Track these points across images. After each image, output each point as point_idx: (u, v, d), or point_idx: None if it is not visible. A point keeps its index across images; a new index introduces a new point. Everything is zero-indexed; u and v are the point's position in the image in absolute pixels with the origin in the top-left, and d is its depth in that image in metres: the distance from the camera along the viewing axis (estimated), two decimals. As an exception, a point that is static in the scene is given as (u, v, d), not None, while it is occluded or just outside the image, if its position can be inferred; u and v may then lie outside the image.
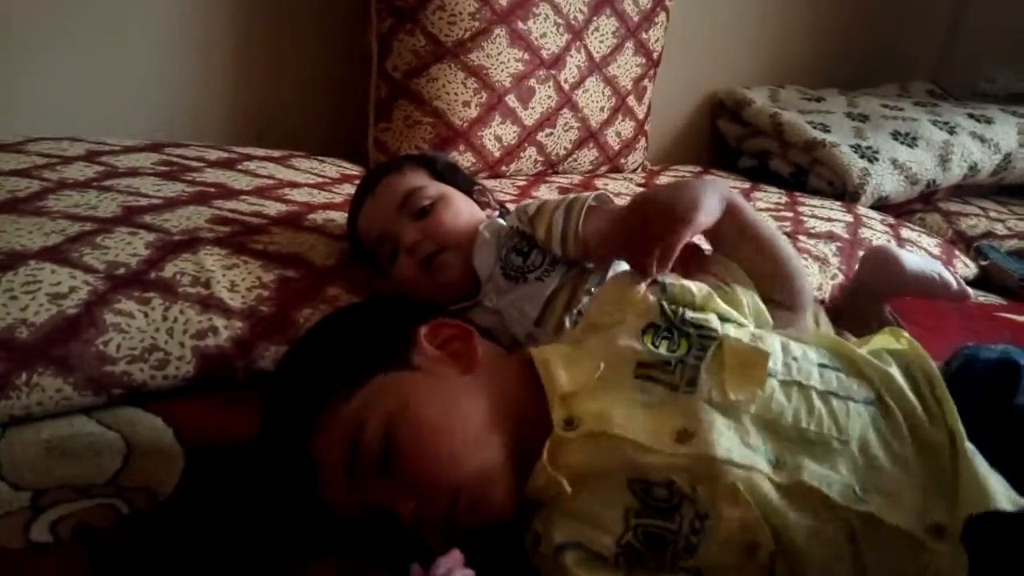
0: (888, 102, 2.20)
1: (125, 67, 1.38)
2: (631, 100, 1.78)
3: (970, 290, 1.11)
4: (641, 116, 1.83)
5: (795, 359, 0.61)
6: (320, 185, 1.25)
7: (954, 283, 1.08)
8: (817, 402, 0.58)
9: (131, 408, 0.77)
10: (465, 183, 1.02)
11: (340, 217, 1.09)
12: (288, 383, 0.67)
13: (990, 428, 0.56)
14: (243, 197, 1.09)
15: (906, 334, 0.65)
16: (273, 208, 1.07)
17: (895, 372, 0.60)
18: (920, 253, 1.55)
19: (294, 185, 1.21)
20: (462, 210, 0.95)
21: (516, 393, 0.64)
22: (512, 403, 0.63)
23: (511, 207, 1.02)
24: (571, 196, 0.89)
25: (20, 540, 0.59)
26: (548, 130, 1.63)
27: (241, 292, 0.87)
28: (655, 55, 1.80)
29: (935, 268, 1.10)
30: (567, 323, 0.83)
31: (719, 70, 2.19)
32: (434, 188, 0.96)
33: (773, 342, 0.62)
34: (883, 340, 0.65)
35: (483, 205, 1.01)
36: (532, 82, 1.56)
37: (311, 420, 0.61)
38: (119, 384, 0.76)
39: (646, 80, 1.80)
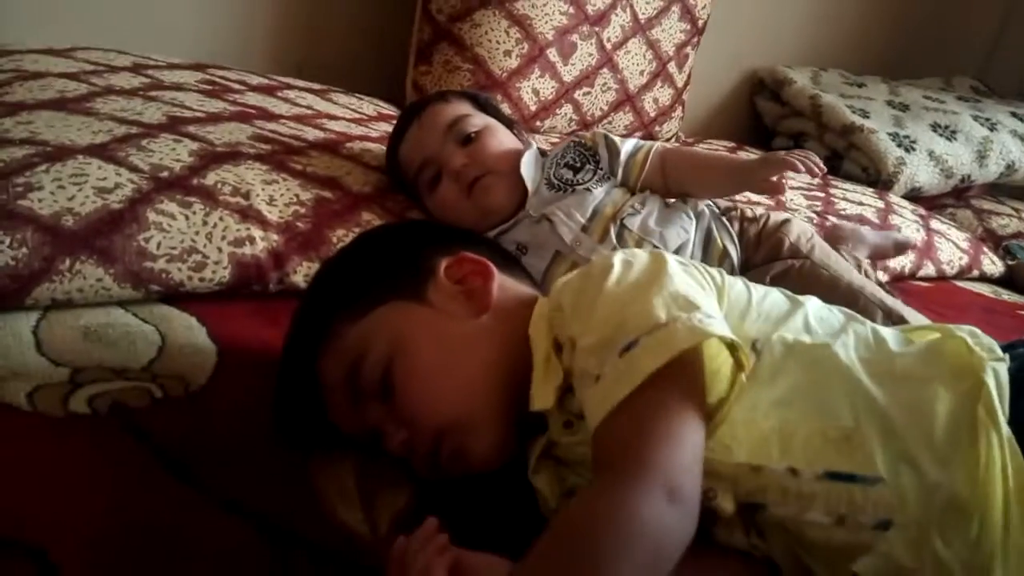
0: (931, 94, 2.18)
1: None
2: (672, 67, 1.77)
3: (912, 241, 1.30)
4: (680, 84, 1.82)
5: None
6: (357, 120, 1.26)
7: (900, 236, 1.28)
8: None
9: (167, 306, 0.79)
10: (505, 119, 1.04)
11: (377, 148, 1.11)
12: (308, 299, 0.68)
13: None
14: (283, 121, 1.11)
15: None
16: (311, 134, 1.09)
17: None
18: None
19: (332, 117, 1.22)
20: (505, 139, 0.98)
21: (522, 346, 0.61)
22: (516, 356, 0.60)
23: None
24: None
25: (60, 409, 0.61)
26: (586, 89, 1.63)
27: (279, 207, 0.88)
28: (700, 23, 1.78)
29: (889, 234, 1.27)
30: (612, 232, 0.88)
31: (761, 48, 2.17)
32: (479, 118, 0.99)
33: None
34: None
35: (522, 142, 1.03)
36: (575, 37, 1.56)
37: (319, 338, 0.62)
38: (157, 281, 0.78)
39: (689, 47, 1.79)
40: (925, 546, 0.48)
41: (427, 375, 0.59)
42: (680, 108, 1.87)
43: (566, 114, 1.63)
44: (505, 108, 1.52)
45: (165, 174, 0.84)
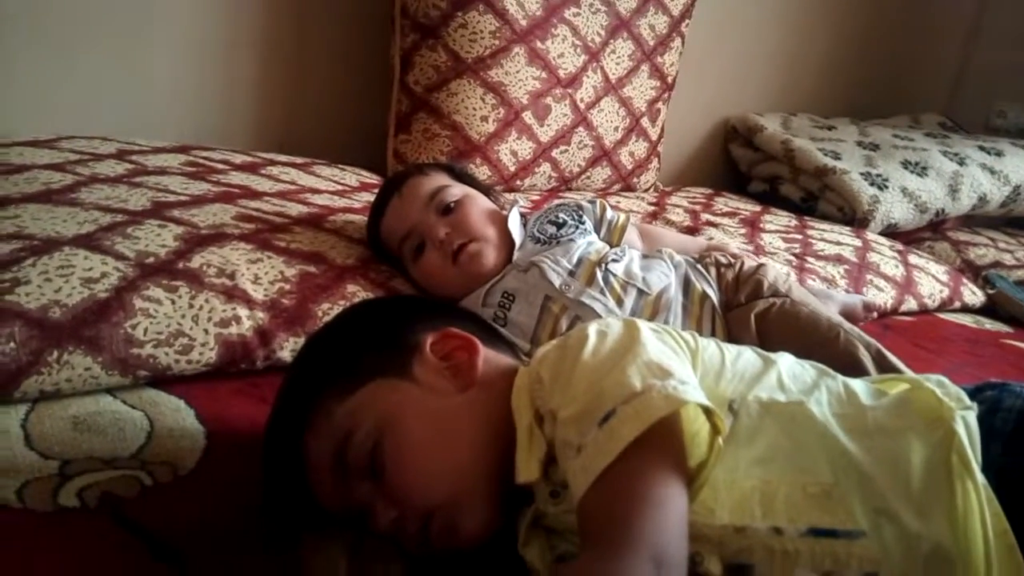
0: (899, 132, 2.23)
1: (154, 72, 1.43)
2: (645, 121, 1.81)
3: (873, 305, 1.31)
4: (654, 137, 1.86)
5: None
6: (340, 192, 1.29)
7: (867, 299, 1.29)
8: None
9: (154, 390, 0.80)
10: (482, 187, 1.07)
11: (359, 220, 1.13)
12: (293, 378, 0.69)
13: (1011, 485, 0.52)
14: (267, 198, 1.13)
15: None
16: (295, 210, 1.11)
17: None
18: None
19: (315, 191, 1.25)
20: (484, 206, 1.01)
21: (507, 418, 0.61)
22: (502, 428, 0.60)
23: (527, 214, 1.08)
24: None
25: (49, 504, 0.62)
26: (563, 147, 1.67)
27: (264, 285, 0.90)
28: (669, 79, 1.84)
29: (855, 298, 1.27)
30: (599, 276, 0.93)
31: (732, 96, 2.23)
32: (457, 188, 1.02)
33: None
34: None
35: (499, 207, 1.06)
36: (549, 100, 1.60)
37: (304, 417, 0.62)
38: (145, 366, 0.79)
39: (660, 103, 1.84)
40: None
41: (417, 454, 0.59)
42: (656, 159, 1.91)
43: (545, 172, 1.67)
44: (485, 170, 1.56)
45: (151, 260, 0.86)
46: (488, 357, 0.66)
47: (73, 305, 0.78)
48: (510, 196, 1.53)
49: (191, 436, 0.73)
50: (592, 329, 0.59)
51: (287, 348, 0.87)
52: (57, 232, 0.87)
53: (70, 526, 0.60)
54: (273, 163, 1.35)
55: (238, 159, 1.32)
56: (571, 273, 0.95)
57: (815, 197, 2.01)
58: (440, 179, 1.04)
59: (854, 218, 1.89)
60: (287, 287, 0.91)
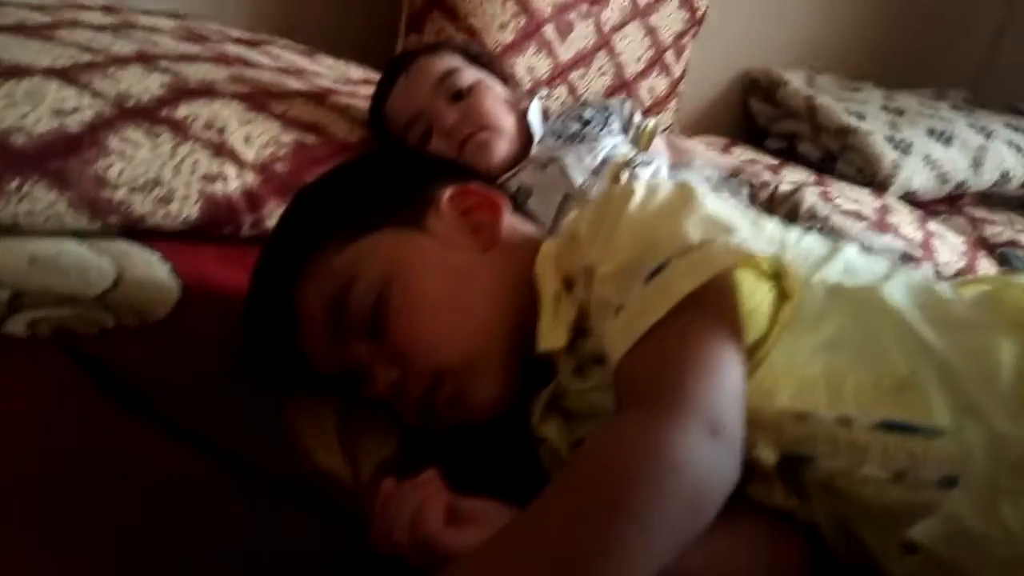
0: (925, 101, 2.16)
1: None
2: (669, 56, 1.72)
3: None
4: (677, 74, 1.77)
5: None
6: (344, 80, 1.19)
7: None
8: None
9: (126, 242, 0.71)
10: (500, 72, 0.98)
11: (364, 105, 1.03)
12: (289, 219, 0.60)
13: None
14: (264, 69, 1.03)
15: None
16: (295, 84, 1.01)
17: None
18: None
19: (317, 75, 1.15)
20: (500, 95, 0.92)
21: (528, 287, 0.54)
22: (522, 296, 0.54)
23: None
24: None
25: (-8, 330, 0.53)
26: (582, 70, 1.57)
27: (256, 147, 0.81)
28: (699, 13, 1.74)
29: None
30: (624, 178, 0.83)
31: (755, 49, 2.14)
32: (471, 72, 0.93)
33: None
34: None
35: (517, 98, 0.97)
36: (573, 16, 1.51)
37: (299, 263, 0.54)
38: (116, 212, 0.70)
39: (687, 37, 1.75)
40: (995, 508, 0.42)
41: (428, 307, 0.52)
42: (676, 100, 1.82)
43: (560, 96, 1.57)
44: (498, 85, 1.47)
45: (131, 103, 0.76)
46: (511, 222, 0.58)
47: (40, 135, 0.68)
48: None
49: (163, 288, 0.65)
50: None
51: (276, 217, 0.78)
52: (28, 62, 0.76)
53: (16, 353, 0.51)
54: (272, 44, 1.25)
55: (235, 33, 1.22)
56: (595, 172, 0.87)
57: (834, 157, 1.93)
58: (452, 61, 0.95)
59: (873, 181, 1.82)
60: (281, 153, 0.82)
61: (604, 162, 0.88)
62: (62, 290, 0.60)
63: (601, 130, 0.91)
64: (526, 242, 0.58)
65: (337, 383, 0.56)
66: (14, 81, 0.72)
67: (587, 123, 0.92)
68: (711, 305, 0.43)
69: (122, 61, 0.83)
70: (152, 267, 0.68)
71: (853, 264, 0.53)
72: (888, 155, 1.82)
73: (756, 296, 0.46)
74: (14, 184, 0.65)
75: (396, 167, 0.62)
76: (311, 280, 0.53)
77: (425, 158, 0.71)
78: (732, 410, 0.40)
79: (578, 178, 0.86)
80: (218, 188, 0.75)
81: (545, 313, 0.51)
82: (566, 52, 1.53)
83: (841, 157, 1.92)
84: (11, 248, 0.64)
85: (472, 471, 0.50)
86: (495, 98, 0.93)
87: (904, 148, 1.85)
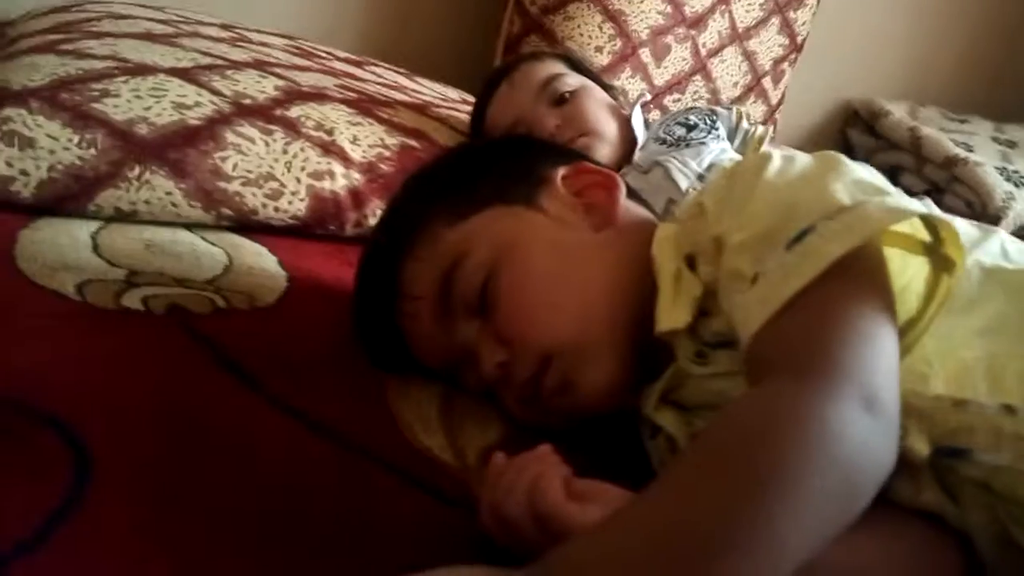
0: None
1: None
2: (767, 82, 1.68)
3: None
4: (775, 101, 1.73)
5: None
6: (443, 97, 1.21)
7: None
8: None
9: (237, 235, 0.72)
10: (602, 82, 0.97)
11: (464, 117, 1.04)
12: (401, 197, 0.59)
13: None
14: (370, 83, 1.06)
15: None
16: (399, 96, 1.03)
17: None
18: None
19: (418, 91, 1.17)
20: (603, 100, 0.91)
21: (644, 270, 0.51)
22: (639, 279, 0.50)
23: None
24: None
25: (111, 302, 0.54)
26: (676, 95, 1.55)
27: (363, 147, 0.82)
28: (799, 39, 1.70)
29: None
30: None
31: (857, 79, 2.07)
32: (574, 77, 0.93)
33: None
34: None
35: (620, 105, 0.96)
36: (670, 39, 1.49)
37: (407, 238, 0.52)
38: (230, 204, 0.71)
39: (786, 64, 1.70)
40: None
41: (539, 284, 0.50)
42: (773, 127, 1.77)
43: (654, 120, 1.55)
44: (592, 108, 1.46)
45: (248, 101, 0.79)
46: (626, 204, 0.56)
47: (162, 125, 0.71)
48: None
49: (272, 276, 0.66)
50: (775, 152, 0.48)
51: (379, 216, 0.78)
52: (154, 62, 0.80)
53: (132, 325, 0.52)
54: (375, 64, 1.28)
55: (341, 54, 1.25)
56: (700, 177, 0.84)
57: (940, 190, 1.83)
58: (555, 67, 0.95)
59: (984, 213, 1.72)
60: (386, 154, 0.83)
61: (711, 167, 0.85)
62: (175, 272, 0.61)
63: (707, 135, 0.89)
64: (641, 224, 0.55)
65: (440, 369, 0.54)
66: (140, 78, 0.75)
67: (693, 127, 0.90)
68: (861, 274, 0.40)
69: (239, 66, 0.87)
70: (262, 257, 0.69)
71: (1008, 248, 0.48)
72: (1000, 187, 1.71)
73: (907, 272, 0.42)
74: (136, 172, 0.67)
75: (508, 148, 0.61)
76: (420, 256, 0.52)
77: (537, 140, 0.69)
78: (889, 386, 0.36)
79: (683, 182, 0.83)
80: (326, 185, 0.76)
81: (665, 292, 0.48)
82: (662, 76, 1.51)
83: (948, 189, 1.82)
84: (128, 233, 0.66)
85: (577, 467, 0.48)
86: (597, 103, 0.92)
87: (1017, 180, 1.75)
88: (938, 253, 0.42)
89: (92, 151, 0.66)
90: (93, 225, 0.66)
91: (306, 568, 0.38)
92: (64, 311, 0.52)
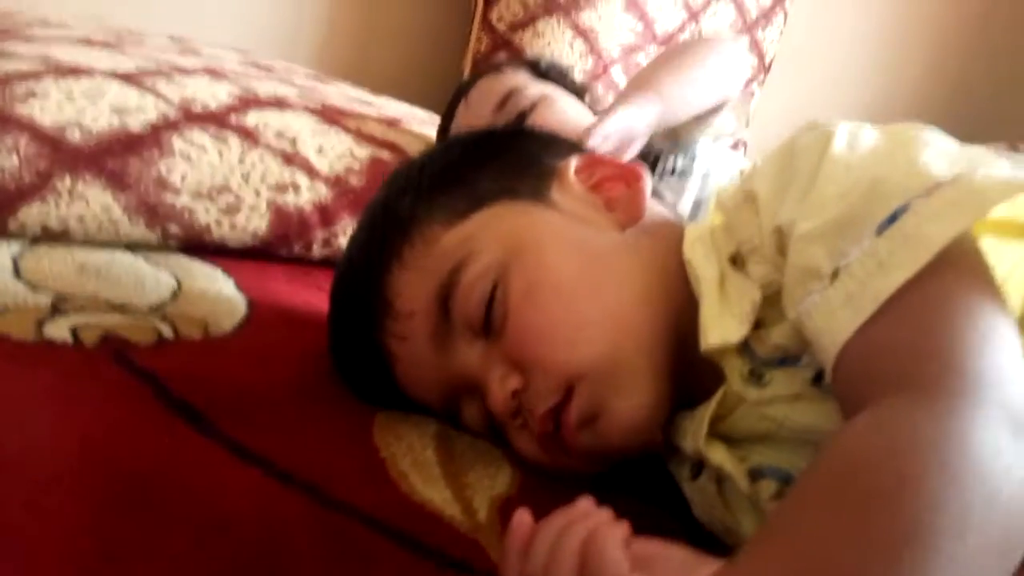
0: (1001, 152, 2.06)
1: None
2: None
3: None
4: (743, 121, 1.70)
5: None
6: (411, 116, 1.13)
7: None
8: None
9: (186, 257, 0.63)
10: (574, 86, 0.89)
11: (435, 133, 0.97)
12: (385, 194, 0.49)
13: None
14: (333, 97, 0.97)
15: None
16: (366, 109, 0.95)
17: None
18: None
19: (385, 108, 1.09)
20: (569, 110, 0.82)
21: (677, 276, 0.44)
22: (676, 286, 0.43)
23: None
24: None
25: (30, 334, 0.44)
26: (650, 114, 1.51)
27: (330, 158, 0.73)
28: (767, 59, 1.68)
29: None
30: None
31: (822, 101, 2.07)
32: (536, 88, 0.84)
33: None
34: None
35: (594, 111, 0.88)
36: (641, 57, 1.45)
37: (397, 244, 0.44)
38: (178, 220, 0.62)
39: (754, 84, 1.68)
40: None
41: (558, 293, 0.41)
42: (743, 148, 1.74)
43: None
44: (564, 127, 1.40)
45: (198, 108, 0.70)
46: (650, 201, 0.48)
47: (98, 131, 0.61)
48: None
49: (228, 300, 0.56)
50: (838, 126, 0.40)
51: (349, 235, 0.70)
52: (90, 65, 0.71)
53: (58, 360, 0.42)
54: (339, 84, 1.20)
55: (300, 71, 1.17)
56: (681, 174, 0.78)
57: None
58: (515, 79, 0.86)
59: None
60: (356, 166, 0.74)
61: (694, 158, 0.78)
62: (113, 297, 0.51)
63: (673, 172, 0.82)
64: (667, 223, 0.48)
65: (435, 403, 0.45)
66: (73, 79, 0.65)
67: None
68: (966, 264, 0.33)
69: (188, 72, 0.78)
70: (216, 280, 0.60)
71: None
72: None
73: (1005, 261, 0.36)
74: (67, 183, 0.58)
75: (509, 137, 0.53)
76: (411, 263, 0.43)
77: (539, 130, 0.61)
78: None
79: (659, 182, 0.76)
80: (289, 199, 0.68)
81: (709, 300, 0.41)
82: (634, 94, 1.47)
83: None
84: (58, 255, 0.57)
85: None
86: (560, 116, 0.82)
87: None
88: None
89: (14, 159, 0.56)
90: (15, 246, 0.56)
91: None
92: (-32, 344, 0.42)
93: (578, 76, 1.38)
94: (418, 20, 1.47)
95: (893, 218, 0.33)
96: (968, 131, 2.38)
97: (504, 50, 1.37)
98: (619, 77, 1.44)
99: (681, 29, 1.50)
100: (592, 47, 1.39)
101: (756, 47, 1.64)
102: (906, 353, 0.31)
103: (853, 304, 0.32)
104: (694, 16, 1.51)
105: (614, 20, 1.40)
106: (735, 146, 1.67)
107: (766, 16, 1.63)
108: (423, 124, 1.08)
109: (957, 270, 0.32)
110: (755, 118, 1.77)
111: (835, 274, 0.34)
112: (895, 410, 0.29)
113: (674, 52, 0.85)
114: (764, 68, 1.70)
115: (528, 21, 1.35)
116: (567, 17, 1.36)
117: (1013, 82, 2.31)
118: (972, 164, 0.35)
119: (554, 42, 1.37)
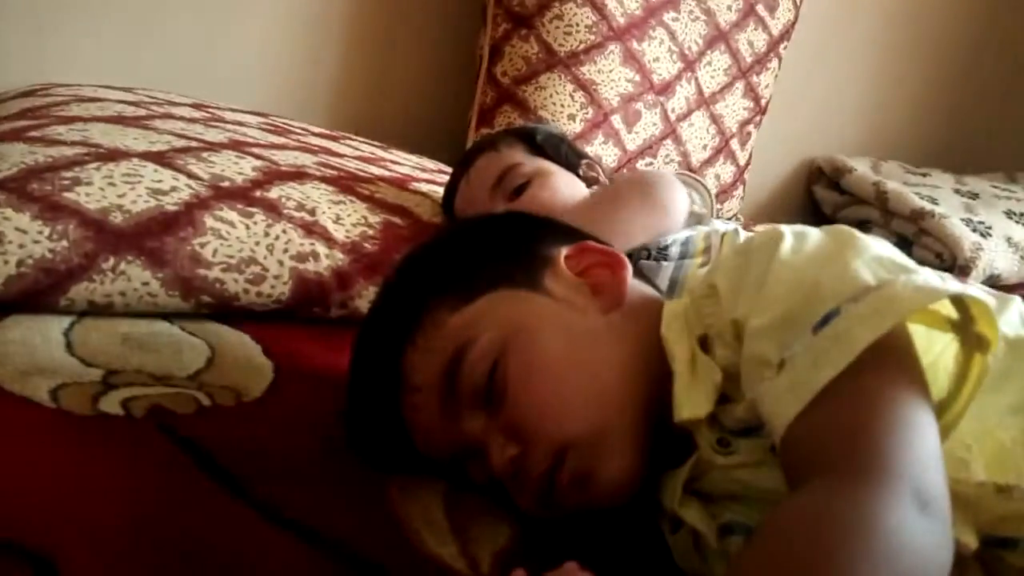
0: (998, 184, 2.10)
1: (235, 40, 1.38)
2: (734, 144, 1.71)
3: None
4: (742, 162, 1.76)
5: None
6: (420, 169, 1.20)
7: None
8: None
9: (217, 323, 0.69)
10: (569, 157, 0.94)
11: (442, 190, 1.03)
12: (397, 281, 0.56)
13: None
14: (347, 159, 1.04)
15: None
16: (378, 171, 1.02)
17: None
18: None
19: (396, 163, 1.16)
20: (559, 187, 0.87)
21: (655, 352, 0.50)
22: (651, 363, 0.49)
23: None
24: None
25: (88, 408, 0.50)
26: (649, 159, 1.57)
27: (346, 226, 0.80)
28: (763, 102, 1.74)
29: None
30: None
31: (818, 136, 2.13)
32: (530, 165, 0.89)
33: None
34: None
35: (591, 181, 0.93)
36: (640, 105, 1.51)
37: (408, 328, 0.50)
38: (210, 291, 0.68)
39: (751, 126, 1.74)
40: None
41: (551, 372, 0.47)
42: (742, 187, 1.80)
43: (628, 185, 1.56)
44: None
45: (226, 184, 0.76)
46: (632, 283, 0.54)
47: (137, 212, 0.68)
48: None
49: (257, 366, 0.62)
50: (786, 229, 0.46)
51: (365, 297, 0.76)
52: (126, 146, 0.78)
53: (111, 432, 0.48)
54: (351, 139, 1.28)
55: (316, 129, 1.24)
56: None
57: (909, 243, 1.87)
58: (512, 155, 0.91)
59: (954, 265, 1.75)
60: (370, 232, 0.81)
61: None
62: (155, 369, 0.58)
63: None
64: (648, 303, 0.53)
65: (444, 465, 0.51)
66: (113, 164, 0.72)
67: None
68: (892, 358, 0.38)
69: (215, 147, 0.85)
70: (245, 347, 0.66)
71: None
72: (968, 238, 1.75)
73: (933, 350, 0.41)
74: (110, 263, 0.64)
75: (506, 227, 0.59)
76: (422, 344, 0.49)
77: (536, 218, 0.67)
78: (938, 480, 0.34)
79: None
80: (309, 267, 0.74)
81: (681, 378, 0.46)
82: (633, 141, 1.53)
83: (917, 242, 1.85)
84: (103, 328, 0.63)
85: (595, 562, 0.45)
86: (553, 190, 0.87)
87: (983, 231, 1.79)
88: (968, 330, 0.40)
89: (63, 243, 0.63)
90: (66, 321, 0.62)
91: None
92: (38, 421, 0.48)
93: (579, 125, 1.46)
94: (426, 76, 1.54)
95: (827, 319, 0.39)
96: (960, 164, 2.44)
97: (509, 103, 1.43)
98: (619, 125, 1.50)
99: (678, 78, 1.56)
100: (592, 98, 1.46)
101: (752, 91, 1.71)
102: (836, 439, 0.36)
103: (795, 392, 0.38)
104: (689, 66, 1.57)
105: (613, 72, 1.47)
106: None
107: (760, 62, 1.69)
108: (432, 176, 1.15)
109: (885, 363, 0.38)
110: (753, 158, 1.83)
111: (782, 364, 0.39)
112: (821, 492, 0.34)
113: (607, 195, 0.88)
114: (760, 110, 1.76)
115: (531, 75, 1.42)
116: (568, 71, 1.43)
117: (1003, 117, 2.36)
118: (896, 271, 0.41)
119: (556, 94, 1.43)
